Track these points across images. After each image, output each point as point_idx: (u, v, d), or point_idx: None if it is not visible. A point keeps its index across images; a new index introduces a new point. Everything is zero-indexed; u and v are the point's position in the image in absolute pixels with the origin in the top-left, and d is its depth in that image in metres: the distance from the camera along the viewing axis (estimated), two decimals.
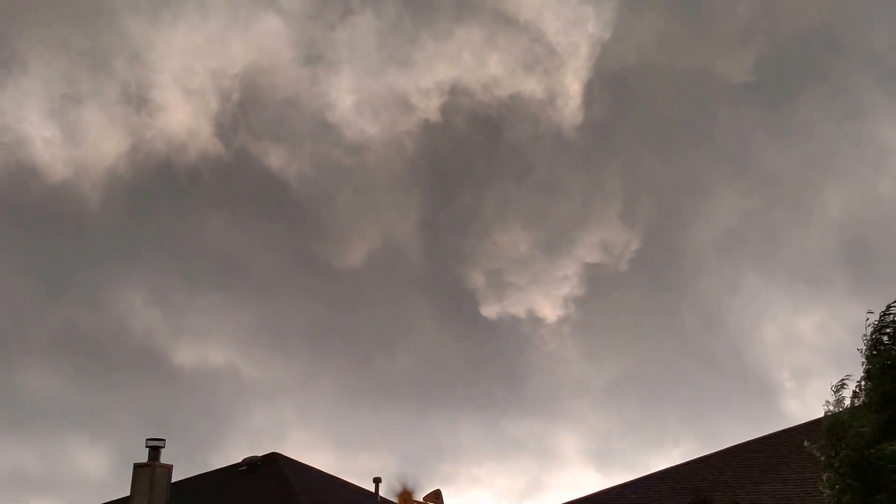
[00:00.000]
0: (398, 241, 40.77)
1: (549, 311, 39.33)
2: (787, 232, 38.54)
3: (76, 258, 39.69)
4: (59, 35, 38.26)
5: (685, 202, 39.99)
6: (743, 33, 38.43)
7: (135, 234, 39.62)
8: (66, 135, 38.73)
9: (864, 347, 10.41)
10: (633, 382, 38.36)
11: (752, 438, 19.01)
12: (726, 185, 39.17)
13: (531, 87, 38.84)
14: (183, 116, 38.38)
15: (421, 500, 21.26)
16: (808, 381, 37.65)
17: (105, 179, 38.81)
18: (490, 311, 39.45)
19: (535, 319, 39.47)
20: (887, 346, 10.25)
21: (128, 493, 24.55)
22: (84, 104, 38.94)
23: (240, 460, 27.35)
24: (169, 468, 24.56)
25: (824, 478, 10.24)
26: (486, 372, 39.78)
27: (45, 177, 38.31)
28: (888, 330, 10.37)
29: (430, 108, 38.46)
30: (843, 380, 10.50)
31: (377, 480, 26.48)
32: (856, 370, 10.70)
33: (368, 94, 39.24)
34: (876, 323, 10.41)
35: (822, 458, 10.24)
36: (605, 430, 38.65)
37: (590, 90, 38.68)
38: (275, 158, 39.41)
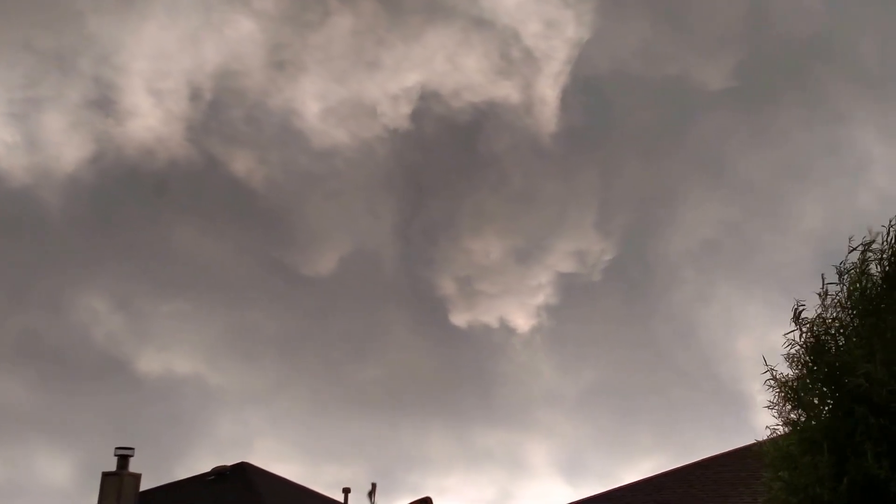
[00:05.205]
0: (369, 248, 40.51)
1: (522, 320, 39.31)
2: (763, 242, 38.56)
3: (38, 265, 38.87)
4: (20, 35, 37.39)
5: (661, 211, 39.80)
6: (723, 39, 38.36)
7: (99, 240, 38.89)
8: (28, 139, 38.05)
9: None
10: (605, 393, 38.25)
11: (723, 452, 19.07)
12: (703, 193, 38.95)
13: (506, 92, 38.75)
14: (151, 121, 37.78)
15: None
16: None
17: (68, 185, 38.14)
18: (460, 319, 39.33)
19: (507, 329, 39.39)
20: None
21: (95, 503, 24.30)
22: (47, 107, 38.27)
23: (208, 470, 27.21)
24: (137, 477, 24.33)
25: None
26: (457, 381, 39.58)
27: (6, 182, 37.52)
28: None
29: (401, 113, 38.32)
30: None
31: (346, 490, 26.37)
32: None
33: (338, 99, 39.00)
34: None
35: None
36: (576, 441, 38.57)
37: (566, 96, 38.58)
38: (244, 164, 39.02)
